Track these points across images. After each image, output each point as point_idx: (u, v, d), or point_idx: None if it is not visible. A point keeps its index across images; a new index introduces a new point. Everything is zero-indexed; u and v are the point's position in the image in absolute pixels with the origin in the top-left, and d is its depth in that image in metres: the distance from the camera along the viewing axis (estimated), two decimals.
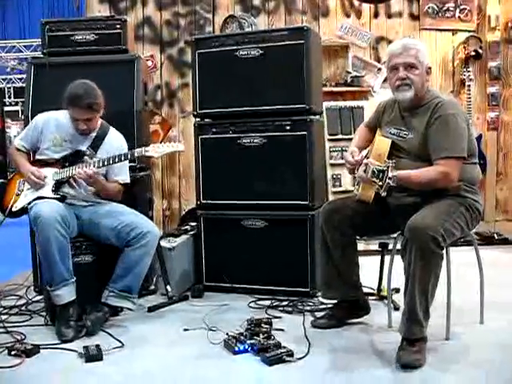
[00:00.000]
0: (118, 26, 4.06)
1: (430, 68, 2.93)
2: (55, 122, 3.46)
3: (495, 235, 5.35)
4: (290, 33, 3.77)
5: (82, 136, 3.42)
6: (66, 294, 3.15)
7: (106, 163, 3.30)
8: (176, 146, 3.32)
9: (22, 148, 3.53)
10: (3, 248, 5.57)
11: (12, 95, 15.03)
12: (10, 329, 3.15)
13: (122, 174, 3.50)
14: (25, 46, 13.10)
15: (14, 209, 3.41)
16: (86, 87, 3.33)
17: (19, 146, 3.53)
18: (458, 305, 3.10)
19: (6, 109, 13.92)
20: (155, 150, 3.25)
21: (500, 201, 5.78)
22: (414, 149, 2.88)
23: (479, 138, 5.45)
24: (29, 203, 3.33)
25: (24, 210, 3.38)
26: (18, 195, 3.46)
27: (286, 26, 5.48)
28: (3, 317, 3.37)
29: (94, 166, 3.27)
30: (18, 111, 14.37)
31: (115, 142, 3.51)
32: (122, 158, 3.30)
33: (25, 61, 11.71)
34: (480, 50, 5.54)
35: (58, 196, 3.33)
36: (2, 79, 14.78)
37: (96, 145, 3.44)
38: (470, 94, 5.47)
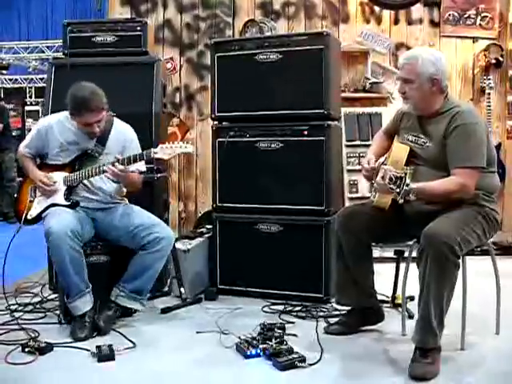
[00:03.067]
0: (139, 28, 4.09)
1: (435, 79, 2.81)
2: (57, 126, 3.40)
3: None
4: (310, 38, 3.77)
5: (86, 134, 3.36)
6: (82, 304, 3.16)
7: (126, 162, 3.19)
8: (184, 146, 3.18)
9: (27, 155, 3.47)
10: (20, 246, 5.59)
11: (33, 95, 15.16)
12: (24, 326, 3.18)
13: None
14: (47, 47, 13.21)
15: (28, 217, 3.39)
16: (91, 89, 3.24)
17: (25, 153, 3.47)
18: (473, 314, 3.07)
19: (28, 108, 14.08)
20: (164, 152, 3.17)
21: None
22: (431, 157, 2.86)
23: (498, 146, 5.42)
24: (43, 211, 3.34)
25: (39, 217, 3.36)
26: (31, 202, 3.42)
27: (305, 31, 5.46)
28: (18, 314, 3.40)
29: (119, 166, 3.17)
30: (39, 111, 14.45)
31: (122, 132, 3.44)
32: (138, 159, 3.21)
33: (47, 61, 11.79)
34: (501, 58, 5.50)
35: (71, 203, 3.32)
36: (24, 79, 14.91)
37: (103, 139, 3.37)
38: (489, 102, 5.43)
